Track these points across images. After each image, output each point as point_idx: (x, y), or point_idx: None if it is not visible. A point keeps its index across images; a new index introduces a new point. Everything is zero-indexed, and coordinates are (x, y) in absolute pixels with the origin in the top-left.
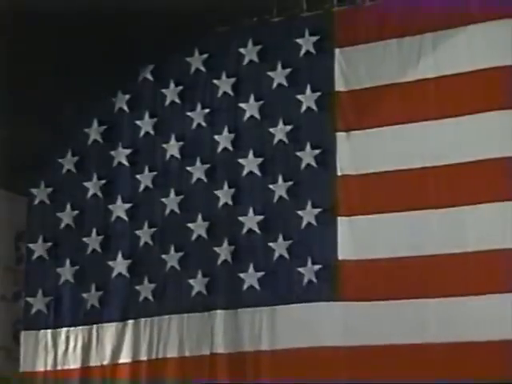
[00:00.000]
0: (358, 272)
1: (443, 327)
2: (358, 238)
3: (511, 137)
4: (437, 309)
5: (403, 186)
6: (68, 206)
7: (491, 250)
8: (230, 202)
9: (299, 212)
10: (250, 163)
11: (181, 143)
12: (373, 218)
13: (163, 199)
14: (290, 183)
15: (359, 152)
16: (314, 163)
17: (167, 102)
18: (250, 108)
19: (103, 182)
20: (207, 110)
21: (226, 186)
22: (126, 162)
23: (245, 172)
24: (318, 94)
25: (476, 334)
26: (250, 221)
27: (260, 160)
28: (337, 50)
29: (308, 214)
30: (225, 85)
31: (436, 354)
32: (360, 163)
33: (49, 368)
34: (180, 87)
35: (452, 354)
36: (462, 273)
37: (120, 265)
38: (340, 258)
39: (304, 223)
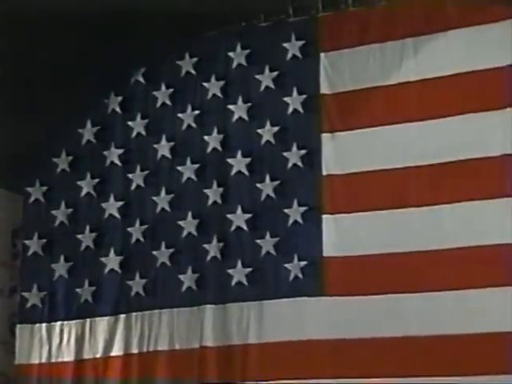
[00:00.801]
0: (342, 268)
1: (423, 321)
2: (342, 235)
3: (492, 137)
4: (416, 303)
5: (386, 185)
6: (62, 204)
7: (469, 247)
8: (219, 201)
9: (286, 210)
10: (239, 163)
11: (171, 143)
12: (356, 216)
13: (154, 197)
14: (277, 182)
15: (343, 152)
16: (300, 163)
17: (158, 104)
18: (239, 110)
19: (96, 180)
20: (197, 112)
21: (215, 185)
22: (118, 162)
23: (233, 171)
24: (304, 96)
25: (457, 327)
26: (239, 218)
27: (248, 160)
28: (322, 55)
29: (294, 212)
30: (214, 87)
31: (417, 347)
32: (344, 163)
33: (43, 360)
34: (171, 89)
35: (433, 347)
36: (439, 269)
37: (112, 261)
38: (325, 254)
39: (290, 221)
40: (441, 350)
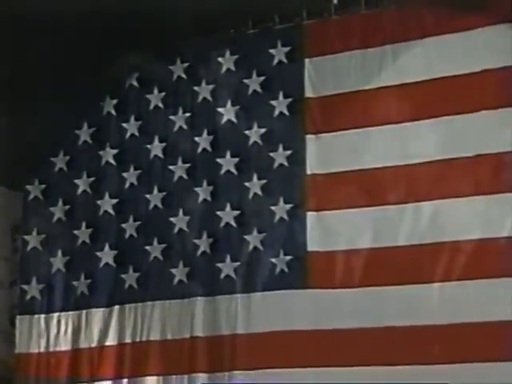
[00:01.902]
0: (325, 262)
1: (401, 312)
2: (326, 231)
3: (465, 139)
4: (394, 295)
5: (366, 184)
6: (60, 202)
7: (446, 242)
8: (209, 198)
9: (272, 207)
10: (228, 163)
11: (164, 144)
12: (338, 213)
13: (147, 195)
14: (264, 181)
15: (327, 153)
16: (285, 163)
17: (151, 107)
18: (228, 112)
19: (92, 179)
20: (188, 114)
21: (205, 184)
22: (113, 161)
23: (222, 171)
24: (290, 99)
25: (437, 318)
26: (227, 215)
27: (236, 160)
28: (306, 60)
29: (280, 210)
30: (204, 91)
31: (395, 337)
32: (327, 163)
33: (42, 350)
34: (163, 93)
35: (411, 336)
36: (412, 263)
37: (107, 255)
38: (309, 249)
39: (276, 218)
40: (419, 340)
